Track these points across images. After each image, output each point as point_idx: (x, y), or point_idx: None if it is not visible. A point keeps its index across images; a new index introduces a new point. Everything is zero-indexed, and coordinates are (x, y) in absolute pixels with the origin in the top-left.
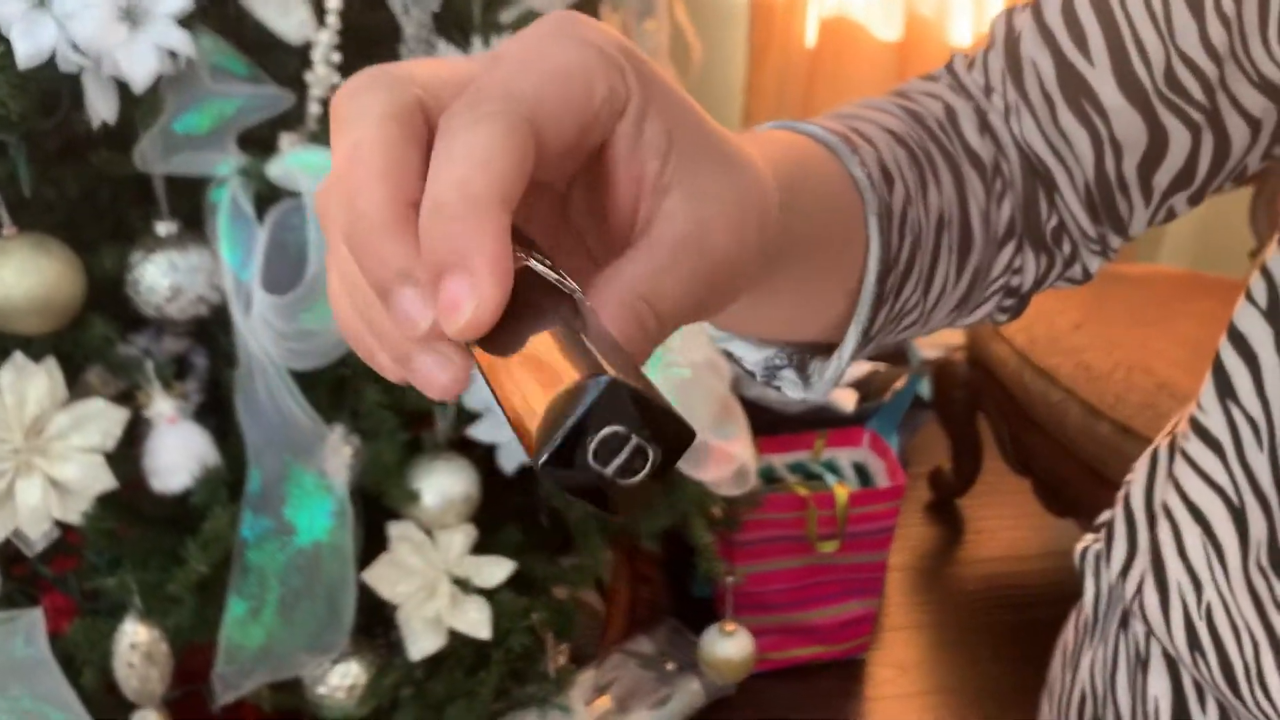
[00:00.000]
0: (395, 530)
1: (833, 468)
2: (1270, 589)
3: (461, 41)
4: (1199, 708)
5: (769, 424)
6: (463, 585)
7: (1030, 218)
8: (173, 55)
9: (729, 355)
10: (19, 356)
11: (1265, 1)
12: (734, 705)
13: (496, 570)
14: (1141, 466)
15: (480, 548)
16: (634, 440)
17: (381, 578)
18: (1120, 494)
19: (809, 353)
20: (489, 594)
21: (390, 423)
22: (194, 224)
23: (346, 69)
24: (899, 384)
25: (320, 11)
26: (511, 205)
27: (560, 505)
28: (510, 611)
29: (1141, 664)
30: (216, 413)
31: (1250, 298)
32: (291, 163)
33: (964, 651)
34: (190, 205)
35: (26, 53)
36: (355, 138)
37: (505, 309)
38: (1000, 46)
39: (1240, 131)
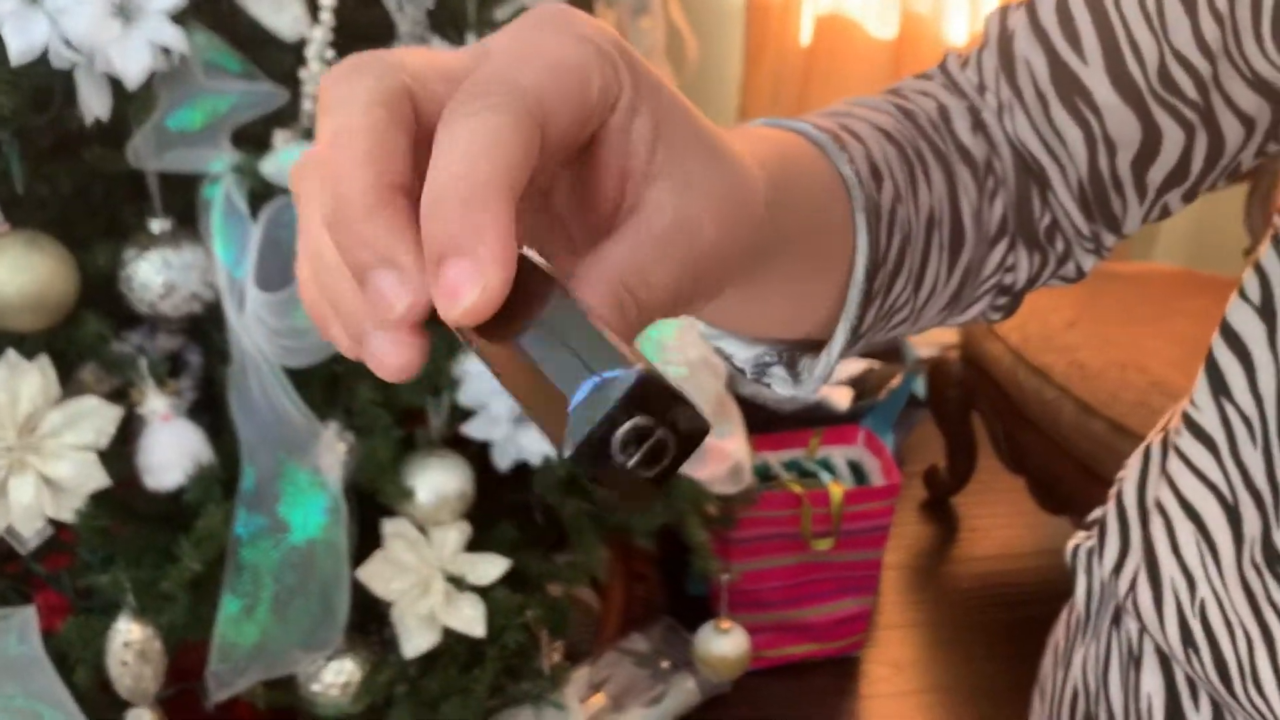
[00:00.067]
0: (389, 527)
1: (828, 466)
2: (1264, 586)
3: (456, 38)
4: (1192, 704)
5: (764, 422)
6: (457, 582)
7: (1023, 216)
8: (166, 52)
9: (720, 352)
10: (12, 354)
11: None
12: (729, 703)
13: (491, 567)
14: (1134, 463)
15: (474, 545)
16: (658, 432)
17: (376, 575)
18: (1112, 491)
19: (799, 350)
20: (483, 591)
21: (384, 420)
22: (187, 221)
23: None
24: (894, 382)
25: (314, 8)
26: (517, 194)
27: (555, 502)
28: (505, 609)
29: (1134, 661)
30: (210, 410)
31: (1243, 294)
32: (285, 160)
33: (959, 649)
34: (184, 202)
35: (19, 49)
36: (340, 122)
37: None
38: (994, 45)
39: (1234, 129)
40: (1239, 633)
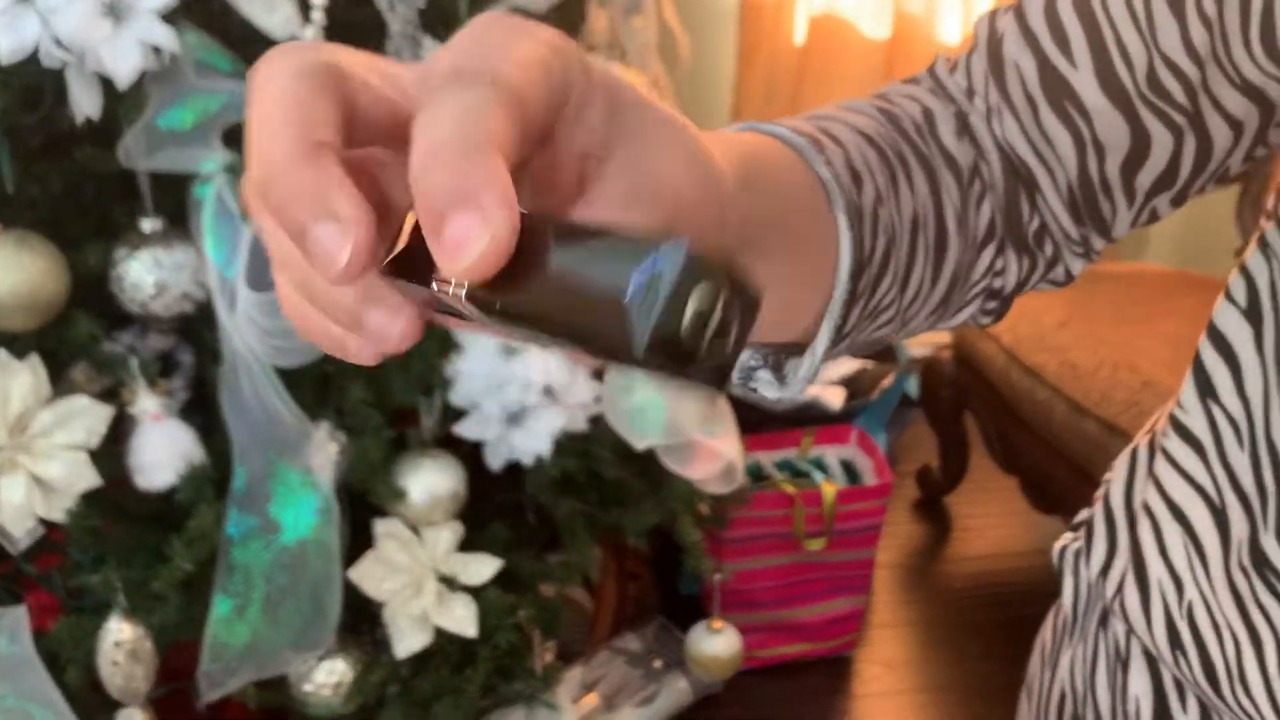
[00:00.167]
0: (381, 527)
1: (820, 465)
2: (1251, 588)
3: (447, 37)
4: (1179, 706)
5: (756, 421)
6: (449, 583)
7: (1012, 219)
8: (157, 51)
9: None
10: (3, 353)
11: (1247, 4)
12: (721, 703)
13: (483, 567)
14: (1121, 465)
15: (467, 545)
16: (721, 298)
17: (367, 575)
18: (1099, 493)
19: (785, 354)
20: (476, 591)
21: (376, 420)
22: (179, 221)
23: None
24: (887, 382)
25: (305, 8)
26: (508, 161)
27: (547, 502)
28: (497, 609)
29: (1122, 662)
30: (201, 410)
31: (1230, 297)
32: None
33: (951, 649)
34: (175, 202)
35: (9, 48)
36: (262, 102)
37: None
38: (983, 48)
39: (1222, 133)
40: (1226, 635)
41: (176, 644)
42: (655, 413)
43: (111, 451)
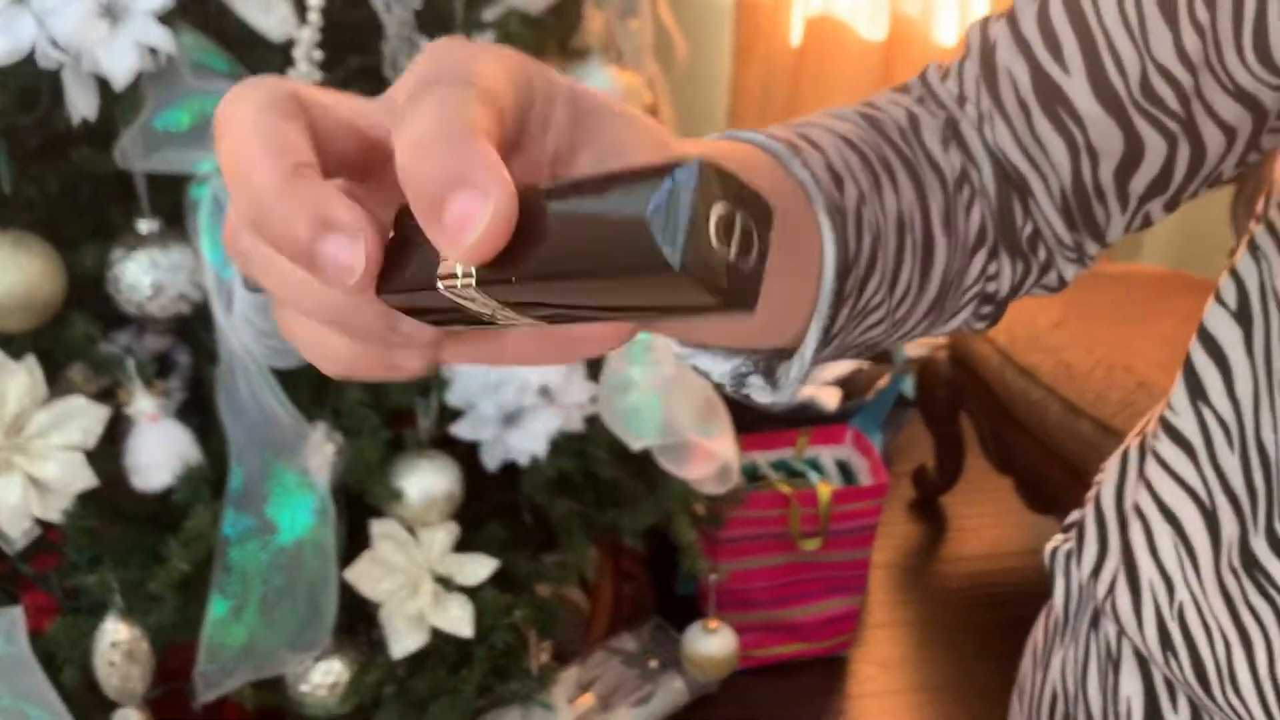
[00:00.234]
0: (377, 528)
1: (816, 465)
2: (1241, 589)
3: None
4: (1170, 706)
5: (752, 421)
6: (445, 583)
7: (1005, 224)
8: (153, 52)
9: (696, 369)
10: None
11: (1239, 11)
12: (717, 702)
13: (479, 568)
14: (1112, 467)
15: (463, 545)
16: (739, 214)
17: (364, 576)
18: (1090, 494)
19: (776, 359)
20: (472, 592)
21: (372, 420)
22: (175, 221)
23: (328, 66)
24: (882, 382)
25: (302, 8)
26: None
27: (543, 503)
28: (493, 609)
29: (1113, 663)
30: (198, 411)
31: (1220, 299)
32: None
33: (947, 649)
34: (171, 203)
35: (6, 49)
36: (232, 139)
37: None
38: (975, 55)
39: (1215, 139)
40: (1216, 636)
41: (173, 644)
42: (651, 413)
43: (108, 452)
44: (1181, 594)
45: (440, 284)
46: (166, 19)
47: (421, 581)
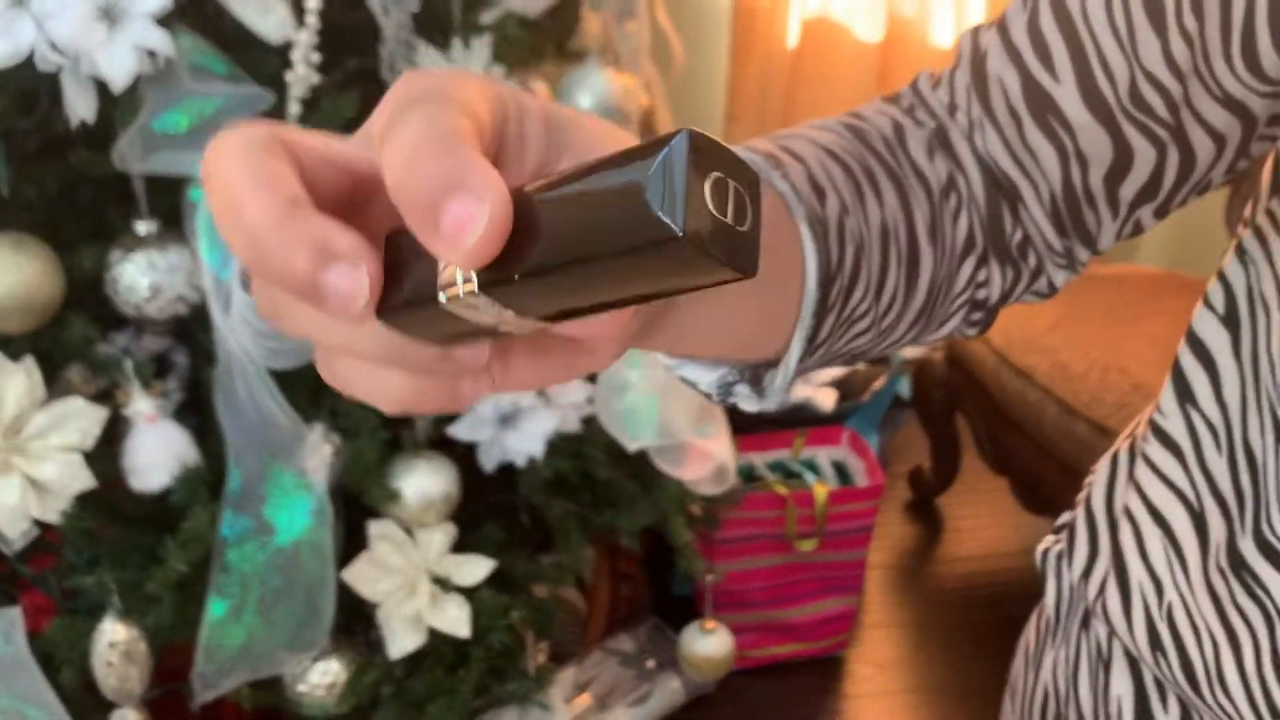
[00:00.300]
0: (375, 529)
1: (812, 466)
2: (1229, 590)
3: (441, 42)
4: (1160, 706)
5: (749, 423)
6: (443, 584)
7: (994, 231)
8: (152, 54)
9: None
10: None
11: (1227, 19)
12: (713, 703)
13: (476, 569)
14: (1102, 469)
15: (460, 546)
16: (732, 183)
17: (361, 576)
18: (1081, 496)
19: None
20: (469, 592)
21: (370, 421)
22: (173, 223)
23: (326, 68)
24: (878, 383)
25: (300, 11)
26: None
27: (540, 503)
28: (490, 610)
29: (1104, 663)
30: (196, 412)
31: (1208, 303)
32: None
33: (943, 649)
34: (169, 204)
35: (5, 52)
36: (221, 181)
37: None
38: (966, 64)
39: (1205, 146)
40: (1205, 636)
41: (171, 645)
42: (647, 414)
43: (106, 453)
44: (1170, 595)
45: (442, 294)
46: (165, 21)
47: (419, 582)
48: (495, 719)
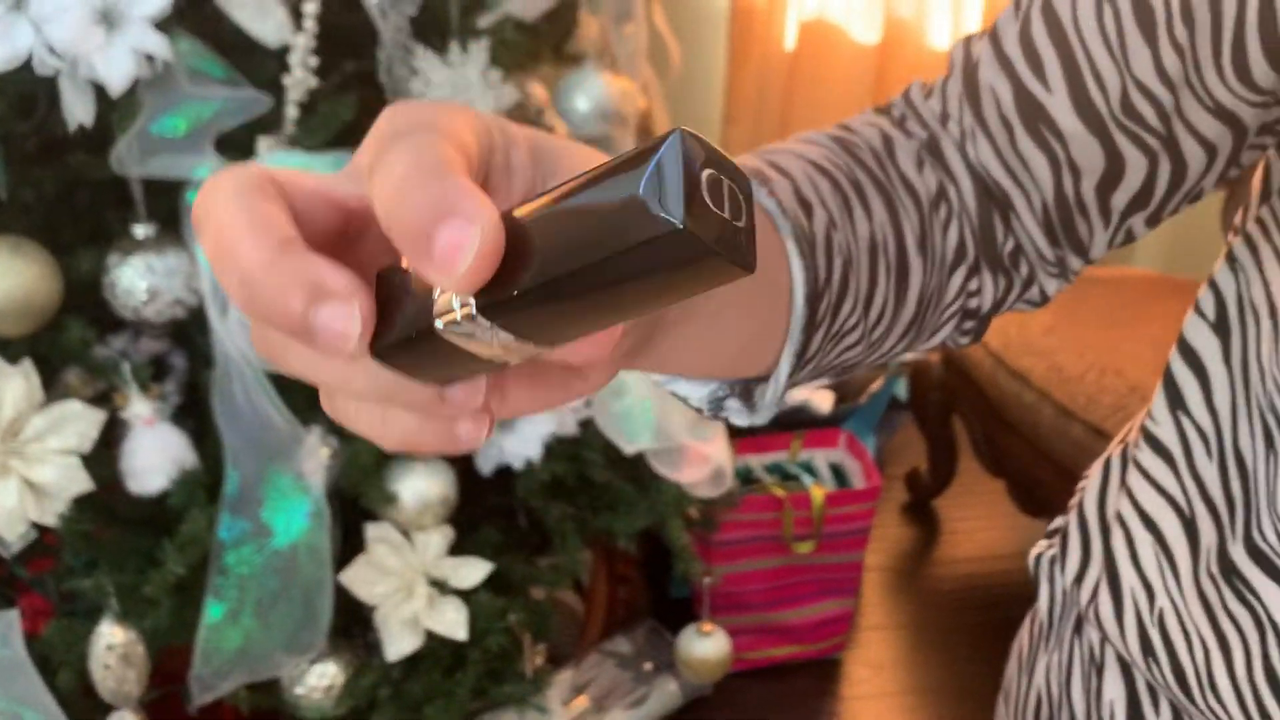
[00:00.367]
0: (372, 531)
1: (809, 469)
2: (1220, 595)
3: (439, 45)
4: (1153, 710)
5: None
6: (440, 586)
7: (986, 241)
8: (150, 58)
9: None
10: None
11: (1218, 29)
12: (711, 705)
13: (474, 571)
14: (1095, 475)
15: (458, 549)
16: (725, 180)
17: (359, 579)
18: (1073, 502)
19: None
20: (466, 595)
21: None
22: (171, 226)
23: (324, 72)
24: (875, 386)
25: (297, 15)
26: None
27: (537, 506)
28: (488, 612)
29: (1096, 668)
30: (194, 414)
31: (1199, 310)
32: (269, 166)
33: (940, 651)
34: (168, 208)
35: (3, 56)
36: (214, 225)
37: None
38: (958, 73)
39: (1196, 156)
40: (1196, 641)
41: (168, 647)
42: (644, 417)
43: (104, 456)
44: (1162, 601)
45: (439, 321)
46: (163, 25)
47: (416, 585)
48: None
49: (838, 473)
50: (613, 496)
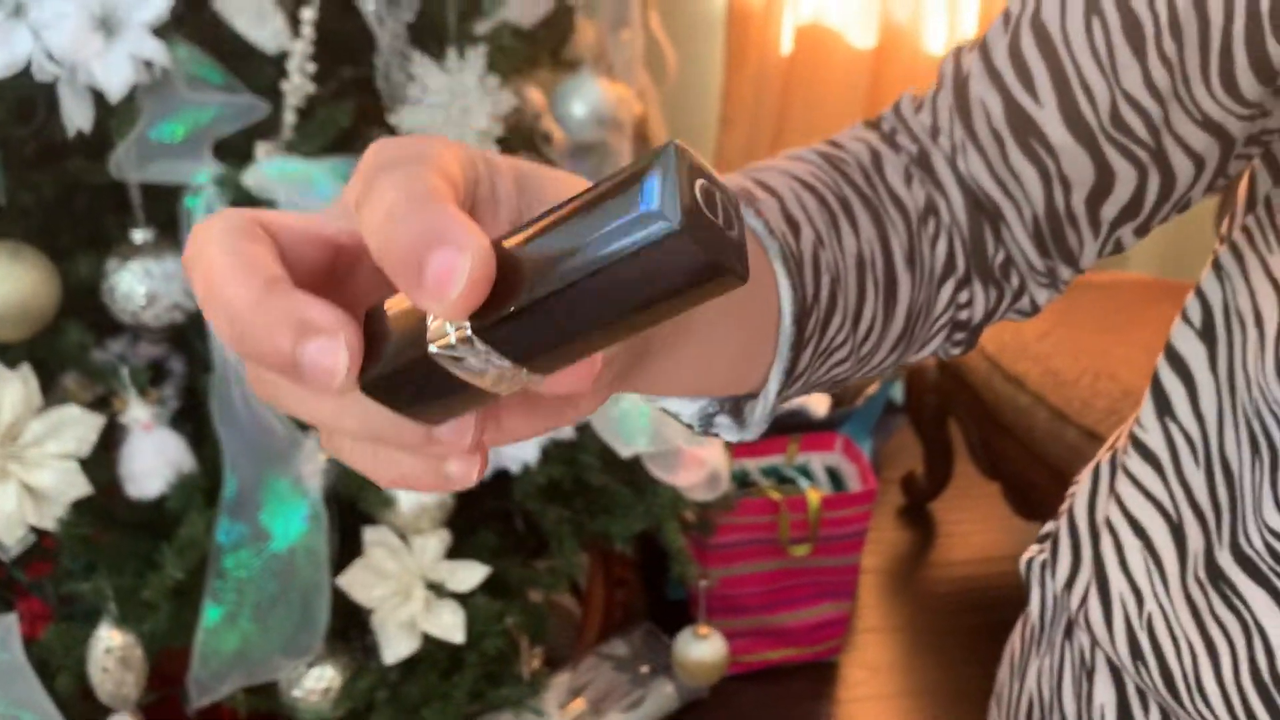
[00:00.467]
0: (370, 535)
1: (806, 472)
2: (1207, 600)
3: (436, 52)
4: (1142, 713)
5: None
6: (437, 589)
7: (977, 253)
8: (148, 64)
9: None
10: None
11: (1206, 43)
12: (707, 707)
13: (471, 574)
14: (1084, 481)
15: (454, 552)
16: (718, 192)
17: (356, 582)
18: (1064, 507)
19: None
20: (463, 598)
21: None
22: (169, 231)
23: (321, 78)
24: (872, 389)
25: (295, 21)
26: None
27: (534, 509)
28: (485, 615)
29: (1087, 672)
30: (192, 419)
31: (1186, 318)
32: (267, 171)
33: (936, 653)
34: (166, 213)
35: (2, 62)
36: (203, 268)
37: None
38: (949, 87)
39: (1185, 168)
40: (1184, 646)
41: (167, 650)
42: (641, 420)
43: (102, 460)
44: (1150, 606)
45: (433, 347)
46: (161, 32)
47: (413, 588)
48: None
49: (834, 476)
50: (609, 500)
